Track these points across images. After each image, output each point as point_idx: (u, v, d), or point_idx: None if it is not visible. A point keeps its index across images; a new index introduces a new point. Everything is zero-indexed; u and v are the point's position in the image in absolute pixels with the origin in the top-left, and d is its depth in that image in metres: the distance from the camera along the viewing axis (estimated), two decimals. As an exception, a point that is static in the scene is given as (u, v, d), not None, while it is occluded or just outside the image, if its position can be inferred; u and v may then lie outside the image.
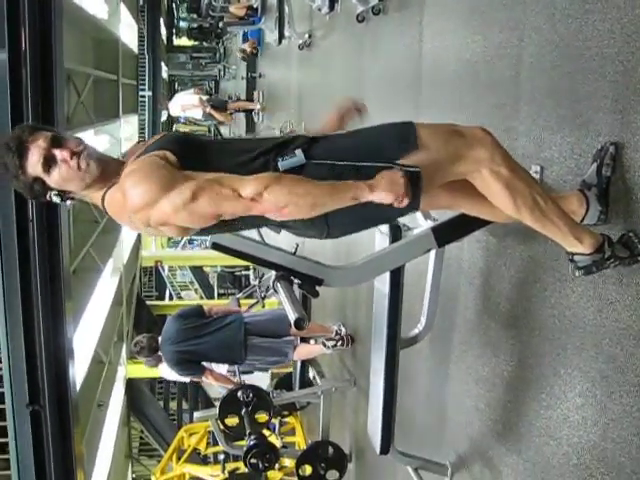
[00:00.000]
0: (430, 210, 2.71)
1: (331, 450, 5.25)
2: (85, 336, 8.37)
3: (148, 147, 2.01)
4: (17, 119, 4.34)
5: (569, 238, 2.16)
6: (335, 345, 5.78)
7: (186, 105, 11.73)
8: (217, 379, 5.60)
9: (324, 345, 5.80)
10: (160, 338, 5.49)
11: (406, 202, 1.91)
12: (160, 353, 5.48)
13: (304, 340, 5.89)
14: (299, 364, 6.56)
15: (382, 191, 1.88)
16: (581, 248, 2.17)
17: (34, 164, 1.92)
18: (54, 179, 1.95)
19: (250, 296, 8.42)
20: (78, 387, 5.69)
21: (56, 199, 2.03)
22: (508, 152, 2.07)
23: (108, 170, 2.00)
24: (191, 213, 1.88)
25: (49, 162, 1.92)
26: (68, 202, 2.08)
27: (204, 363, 5.53)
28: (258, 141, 2.13)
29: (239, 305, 7.06)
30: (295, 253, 2.36)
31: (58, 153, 1.92)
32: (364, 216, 2.08)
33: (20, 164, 1.91)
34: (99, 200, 2.02)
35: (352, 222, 2.11)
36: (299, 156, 1.99)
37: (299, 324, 2.05)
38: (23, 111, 4.35)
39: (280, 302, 2.35)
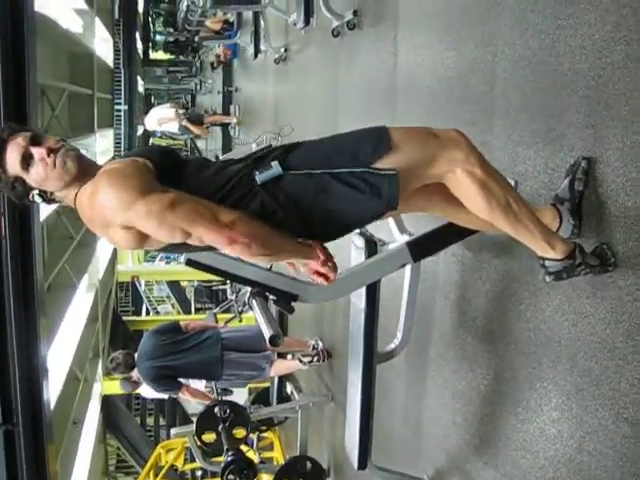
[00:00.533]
0: (407, 212, 2.69)
1: (309, 465, 5.24)
2: (60, 353, 8.27)
3: (128, 153, 2.04)
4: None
5: (541, 243, 2.17)
6: (312, 361, 5.75)
7: (162, 119, 11.65)
8: (194, 395, 5.55)
9: (300, 361, 5.77)
10: (136, 354, 5.41)
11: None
12: (136, 370, 5.39)
13: (281, 355, 5.84)
14: (276, 379, 6.52)
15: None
16: (552, 254, 2.18)
17: (13, 162, 1.92)
18: (33, 177, 1.95)
19: (227, 311, 8.37)
20: (53, 405, 5.62)
21: (38, 199, 2.02)
22: (483, 154, 2.06)
23: (87, 171, 1.99)
24: (162, 222, 1.87)
25: (27, 160, 1.93)
26: (52, 205, 2.11)
27: (181, 379, 5.46)
28: (235, 162, 2.11)
29: (216, 320, 7.02)
30: (270, 269, 2.34)
31: (35, 151, 1.92)
32: (350, 211, 2.06)
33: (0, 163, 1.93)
34: (73, 198, 2.01)
35: (338, 217, 2.09)
36: (275, 168, 1.99)
37: (274, 341, 2.04)
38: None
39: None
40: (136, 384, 5.57)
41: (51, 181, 1.97)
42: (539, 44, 2.61)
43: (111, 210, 1.87)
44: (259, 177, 1.98)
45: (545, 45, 2.57)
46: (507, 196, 2.06)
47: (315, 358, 5.76)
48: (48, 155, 1.93)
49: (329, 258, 2.13)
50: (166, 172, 1.97)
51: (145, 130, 14.43)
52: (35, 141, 1.94)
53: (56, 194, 2.03)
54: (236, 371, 5.56)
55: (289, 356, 5.93)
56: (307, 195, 1.99)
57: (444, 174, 2.03)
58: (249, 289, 2.26)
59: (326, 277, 2.15)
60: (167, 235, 1.92)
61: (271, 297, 2.28)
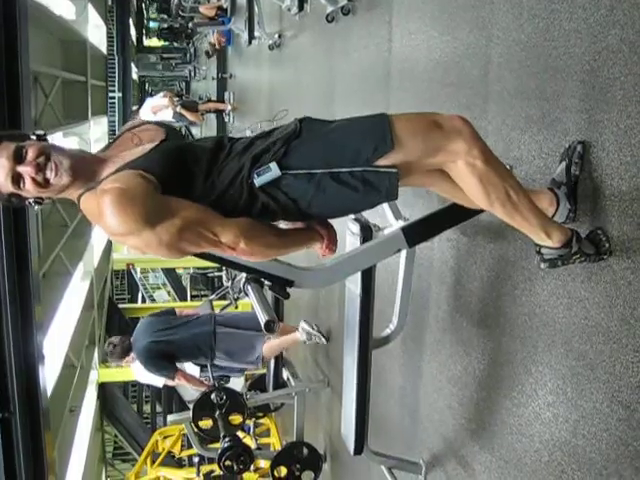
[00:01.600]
0: (406, 186, 2.65)
1: (306, 451, 5.27)
2: (56, 341, 8.28)
3: (137, 160, 1.97)
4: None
5: (539, 231, 2.16)
6: (310, 338, 5.73)
7: (157, 106, 11.60)
8: (189, 381, 5.54)
9: (302, 330, 5.75)
10: (132, 338, 5.44)
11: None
12: (132, 353, 5.41)
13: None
14: (272, 365, 6.52)
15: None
16: (549, 242, 2.18)
17: (3, 183, 1.88)
18: (27, 192, 1.92)
19: (223, 297, 8.39)
20: (49, 392, 5.63)
21: (35, 205, 1.99)
22: (485, 143, 2.04)
23: (83, 170, 1.95)
24: (171, 249, 1.91)
25: (17, 179, 1.88)
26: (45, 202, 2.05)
27: (177, 364, 5.46)
28: (235, 156, 2.06)
29: (212, 307, 7.03)
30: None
31: (23, 170, 1.87)
32: (347, 206, 2.11)
33: None
34: (76, 198, 1.98)
35: (335, 210, 2.12)
36: (274, 170, 1.96)
37: (269, 326, 2.04)
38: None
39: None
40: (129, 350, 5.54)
41: (47, 193, 1.95)
42: (533, 28, 2.60)
43: (120, 235, 1.88)
44: (257, 180, 1.96)
45: (539, 29, 2.56)
46: (507, 187, 2.04)
47: (314, 337, 5.73)
48: (37, 173, 1.87)
49: (331, 240, 2.22)
50: (171, 183, 1.95)
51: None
52: (19, 156, 1.87)
53: (54, 196, 2.01)
54: (229, 347, 5.54)
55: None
56: (306, 195, 1.98)
57: (445, 163, 2.01)
58: (244, 275, 2.25)
59: (329, 249, 2.25)
60: (175, 257, 1.97)
61: (266, 283, 2.27)
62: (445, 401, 3.42)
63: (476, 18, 3.09)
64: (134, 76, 24.58)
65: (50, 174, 1.88)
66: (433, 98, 3.54)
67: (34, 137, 1.97)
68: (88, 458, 10.22)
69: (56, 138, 7.81)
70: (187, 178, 2.00)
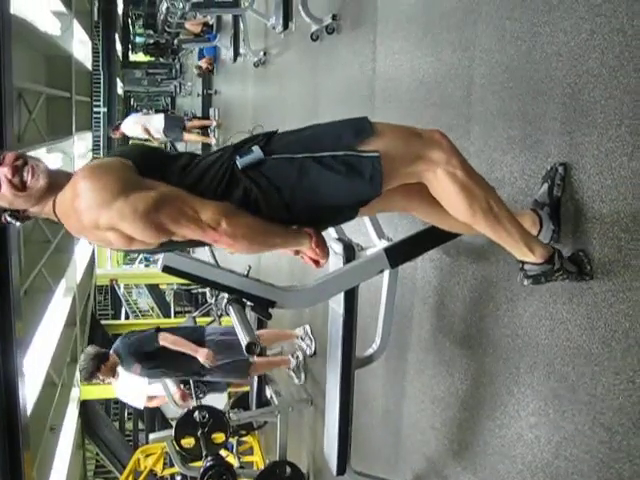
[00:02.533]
0: (388, 211, 2.66)
1: (289, 470, 5.23)
2: (37, 358, 8.20)
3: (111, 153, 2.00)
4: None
5: (521, 246, 2.16)
6: (298, 365, 5.60)
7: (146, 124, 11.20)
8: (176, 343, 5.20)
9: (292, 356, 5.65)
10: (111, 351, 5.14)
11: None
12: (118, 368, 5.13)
13: (260, 355, 5.73)
14: (255, 383, 6.49)
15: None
16: (532, 257, 2.18)
17: None
18: (4, 197, 1.87)
19: (207, 314, 8.36)
20: (29, 411, 5.55)
21: (11, 220, 1.94)
22: (464, 158, 2.05)
23: (57, 182, 1.91)
24: (147, 222, 1.82)
25: None
26: (26, 222, 2.01)
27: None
28: (213, 153, 2.07)
29: (195, 324, 7.00)
30: (247, 275, 2.33)
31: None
32: (332, 194, 2.01)
33: None
34: (51, 210, 1.93)
35: (321, 201, 2.04)
36: (256, 152, 1.96)
37: (251, 349, 2.03)
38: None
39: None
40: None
41: (22, 199, 1.90)
42: (516, 51, 2.62)
43: (94, 210, 1.80)
44: (240, 161, 1.94)
45: (522, 52, 2.58)
46: (488, 198, 2.04)
47: (307, 349, 5.58)
48: (13, 175, 1.85)
49: (320, 242, 2.11)
50: (149, 169, 1.92)
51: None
52: None
53: (30, 210, 1.96)
54: (219, 355, 5.23)
55: (275, 349, 5.85)
56: (289, 180, 1.95)
57: (424, 172, 2.00)
58: (226, 296, 2.24)
59: (316, 262, 2.17)
60: (153, 235, 1.87)
61: (248, 304, 2.26)
62: (428, 421, 3.41)
63: (459, 39, 3.11)
64: (119, 91, 24.55)
65: (27, 176, 1.86)
66: (416, 118, 3.55)
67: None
68: (69, 477, 10.11)
69: (39, 154, 7.76)
70: (162, 168, 1.97)
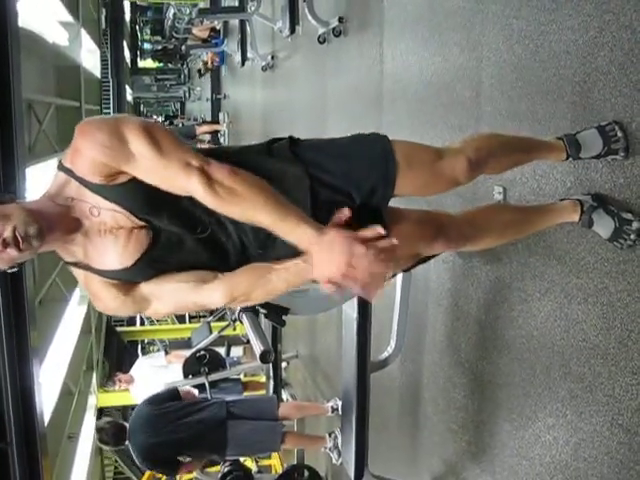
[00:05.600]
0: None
1: (307, 473, 5.22)
2: (53, 367, 8.23)
3: None
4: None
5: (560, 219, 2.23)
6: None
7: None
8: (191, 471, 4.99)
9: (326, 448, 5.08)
10: (128, 427, 4.65)
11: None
12: (127, 443, 4.62)
13: (289, 434, 5.22)
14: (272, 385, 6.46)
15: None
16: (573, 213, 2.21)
17: None
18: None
19: (221, 319, 8.37)
20: (47, 420, 5.58)
21: (10, 271, 1.75)
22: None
23: (54, 219, 1.70)
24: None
25: None
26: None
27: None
28: None
29: (210, 329, 7.00)
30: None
31: None
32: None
33: None
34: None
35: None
36: None
37: (265, 357, 2.02)
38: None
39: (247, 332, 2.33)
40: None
41: (20, 260, 1.70)
42: (523, 50, 2.61)
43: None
44: None
45: (530, 51, 2.56)
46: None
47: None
48: (4, 247, 1.61)
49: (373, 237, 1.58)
50: None
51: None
52: None
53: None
54: (243, 440, 4.78)
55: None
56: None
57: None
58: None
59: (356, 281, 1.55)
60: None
61: (262, 311, 2.26)
62: (445, 424, 3.39)
63: (467, 39, 3.10)
64: (129, 98, 24.63)
65: (21, 245, 1.63)
66: (426, 118, 3.54)
67: None
68: (88, 484, 10.14)
69: (51, 165, 7.80)
70: None
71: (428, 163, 1.90)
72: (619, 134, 2.08)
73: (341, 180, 1.83)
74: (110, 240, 1.73)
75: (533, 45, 2.54)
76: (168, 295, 1.78)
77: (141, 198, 1.70)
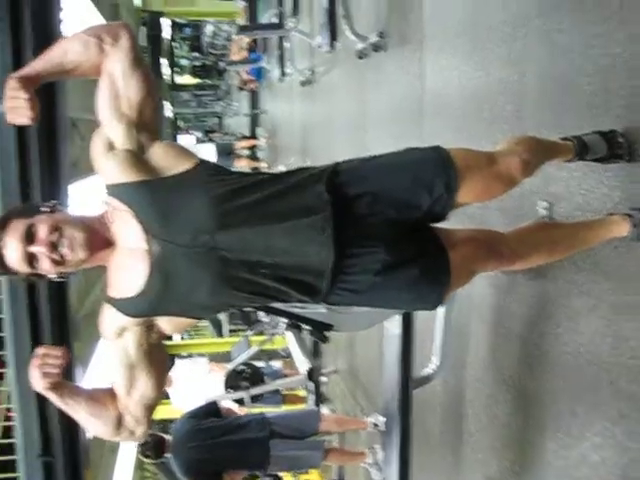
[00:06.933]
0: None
1: (346, 489, 5.19)
2: (95, 378, 8.32)
3: None
4: (23, 168, 4.39)
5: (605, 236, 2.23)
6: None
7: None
8: None
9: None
10: (171, 440, 4.73)
11: None
12: (168, 455, 4.71)
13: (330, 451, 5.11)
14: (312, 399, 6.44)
15: None
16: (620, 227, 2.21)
17: (19, 266, 1.74)
18: (45, 270, 1.76)
19: (260, 333, 8.41)
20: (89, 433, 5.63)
21: (59, 279, 1.83)
22: None
23: (99, 240, 1.79)
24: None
25: (32, 260, 1.73)
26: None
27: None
28: None
29: (249, 344, 7.04)
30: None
31: (35, 250, 1.71)
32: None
33: (5, 269, 1.75)
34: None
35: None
36: None
37: (312, 375, 2.02)
38: (28, 161, 4.39)
39: (290, 345, 2.34)
40: None
41: (66, 269, 1.79)
42: (568, 64, 2.58)
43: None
44: None
45: (574, 65, 2.54)
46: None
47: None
48: (51, 251, 1.71)
49: None
50: None
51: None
52: (29, 235, 1.71)
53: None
54: (285, 458, 4.79)
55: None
56: None
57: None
58: (284, 321, 2.24)
59: None
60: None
61: (305, 328, 2.26)
62: (488, 441, 3.35)
63: (509, 53, 3.08)
64: (168, 113, 24.93)
65: (64, 250, 1.73)
66: (468, 133, 3.53)
67: (46, 208, 1.81)
68: (128, 497, 10.22)
69: (94, 181, 7.94)
70: None
71: (485, 166, 1.92)
72: None
73: (401, 193, 1.85)
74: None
75: (578, 59, 2.52)
76: None
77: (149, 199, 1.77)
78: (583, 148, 2.25)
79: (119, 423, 1.87)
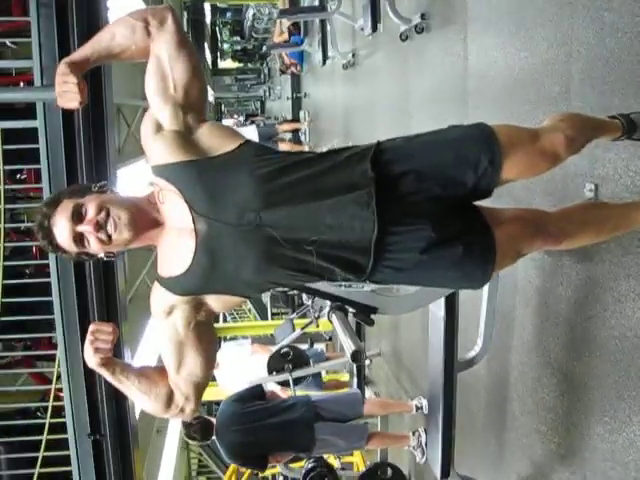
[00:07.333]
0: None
1: (390, 472, 5.20)
2: (144, 361, 8.48)
3: None
4: (71, 153, 4.46)
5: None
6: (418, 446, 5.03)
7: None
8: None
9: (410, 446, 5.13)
10: (215, 423, 4.75)
11: None
12: (214, 438, 4.74)
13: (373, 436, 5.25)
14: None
15: None
16: None
17: (68, 246, 1.80)
18: (93, 249, 1.82)
19: (304, 316, 8.45)
20: (137, 415, 5.74)
21: (107, 258, 1.89)
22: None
23: (145, 221, 1.85)
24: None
25: (80, 239, 1.79)
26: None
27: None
28: None
29: (293, 327, 7.07)
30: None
31: (83, 229, 1.78)
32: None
33: (55, 247, 1.82)
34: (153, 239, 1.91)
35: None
36: None
37: (356, 357, 2.04)
38: (76, 145, 4.46)
39: (335, 328, 2.36)
40: None
41: (112, 249, 1.85)
42: (616, 43, 2.54)
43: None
44: None
45: (623, 44, 2.50)
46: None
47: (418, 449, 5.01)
48: (97, 230, 1.77)
49: None
50: None
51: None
52: (78, 215, 1.78)
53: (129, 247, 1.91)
54: (329, 440, 4.84)
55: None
56: None
57: None
58: (329, 304, 2.26)
59: None
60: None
61: (351, 310, 2.28)
62: (533, 425, 3.34)
63: (555, 33, 3.04)
64: (210, 98, 25.09)
65: (111, 229, 1.78)
66: (513, 114, 3.49)
67: (95, 189, 1.87)
68: (175, 476, 10.41)
69: (139, 166, 8.05)
70: None
71: (529, 142, 1.91)
72: None
73: (446, 169, 1.85)
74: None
75: (626, 38, 2.47)
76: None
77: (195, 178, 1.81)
78: (631, 125, 2.23)
79: (169, 400, 1.92)
